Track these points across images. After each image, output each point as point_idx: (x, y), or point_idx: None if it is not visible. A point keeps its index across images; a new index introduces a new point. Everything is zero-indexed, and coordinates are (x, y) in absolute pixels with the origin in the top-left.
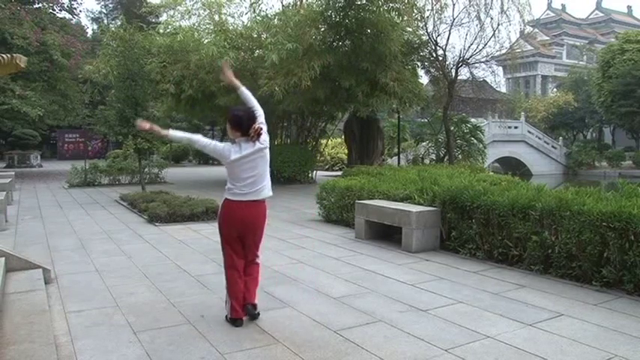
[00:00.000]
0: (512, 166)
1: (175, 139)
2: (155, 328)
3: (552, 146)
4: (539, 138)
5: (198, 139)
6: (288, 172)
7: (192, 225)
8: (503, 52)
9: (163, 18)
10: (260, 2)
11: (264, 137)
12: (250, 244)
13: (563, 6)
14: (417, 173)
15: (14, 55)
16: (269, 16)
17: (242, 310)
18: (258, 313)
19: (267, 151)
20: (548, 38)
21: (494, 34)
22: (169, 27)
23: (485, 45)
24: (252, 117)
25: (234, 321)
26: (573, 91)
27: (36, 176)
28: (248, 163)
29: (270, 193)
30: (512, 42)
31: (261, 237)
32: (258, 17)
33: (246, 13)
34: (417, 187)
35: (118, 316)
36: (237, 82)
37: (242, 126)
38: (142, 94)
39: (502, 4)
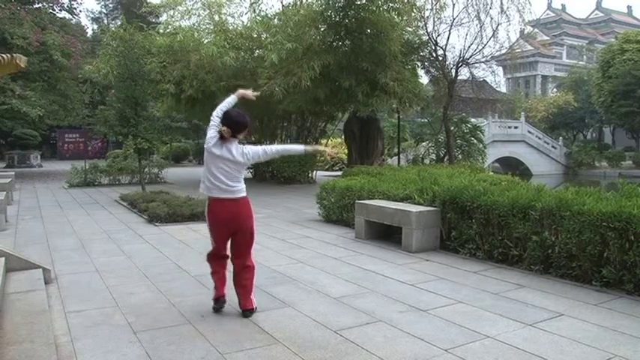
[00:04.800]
0: (512, 166)
1: None
2: (155, 328)
3: (552, 146)
4: (539, 138)
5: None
6: (288, 172)
7: (192, 225)
8: (503, 52)
9: (163, 18)
10: (260, 2)
11: (249, 151)
12: (240, 243)
13: (563, 6)
14: (417, 173)
15: (14, 55)
16: (269, 16)
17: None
18: (254, 309)
19: (242, 166)
20: (548, 38)
21: (494, 34)
22: (169, 27)
23: (485, 45)
24: (244, 124)
25: (215, 301)
26: (573, 91)
27: (36, 176)
28: (220, 164)
29: (243, 194)
30: (512, 42)
31: (251, 238)
32: (258, 17)
33: (246, 13)
34: (417, 187)
35: (118, 316)
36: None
37: (232, 128)
38: (142, 94)
39: (502, 3)
